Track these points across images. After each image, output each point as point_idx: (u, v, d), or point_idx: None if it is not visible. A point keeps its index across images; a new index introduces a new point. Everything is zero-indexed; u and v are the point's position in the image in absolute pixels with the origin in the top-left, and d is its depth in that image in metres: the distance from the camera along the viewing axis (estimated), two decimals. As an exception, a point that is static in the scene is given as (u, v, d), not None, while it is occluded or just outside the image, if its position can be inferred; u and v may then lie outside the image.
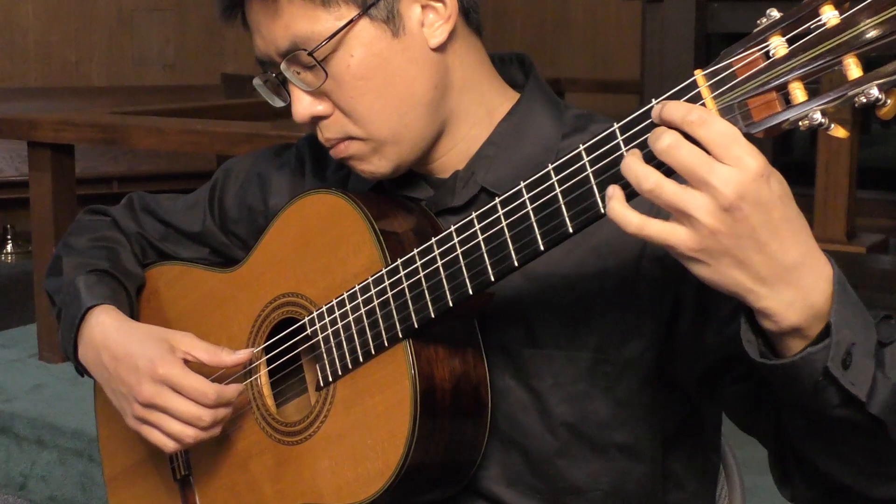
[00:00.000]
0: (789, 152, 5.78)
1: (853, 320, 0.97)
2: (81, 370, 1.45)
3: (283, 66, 1.19)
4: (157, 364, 1.29)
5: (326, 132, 1.23)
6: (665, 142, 0.92)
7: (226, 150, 3.17)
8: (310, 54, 1.17)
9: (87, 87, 5.99)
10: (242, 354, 1.31)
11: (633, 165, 0.94)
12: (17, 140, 3.64)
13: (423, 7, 1.19)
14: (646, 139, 0.95)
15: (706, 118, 0.91)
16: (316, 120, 1.23)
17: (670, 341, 1.19)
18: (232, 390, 1.30)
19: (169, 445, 1.32)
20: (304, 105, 1.21)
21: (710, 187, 0.90)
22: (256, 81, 1.26)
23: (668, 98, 0.95)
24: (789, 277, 0.93)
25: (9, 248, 5.44)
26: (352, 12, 1.16)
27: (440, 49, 1.21)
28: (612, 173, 0.98)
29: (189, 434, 1.29)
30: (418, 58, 1.20)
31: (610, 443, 1.22)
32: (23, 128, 3.46)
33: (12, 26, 5.90)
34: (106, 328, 1.38)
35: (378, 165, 1.23)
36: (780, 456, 1.14)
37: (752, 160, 0.90)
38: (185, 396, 1.29)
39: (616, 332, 1.19)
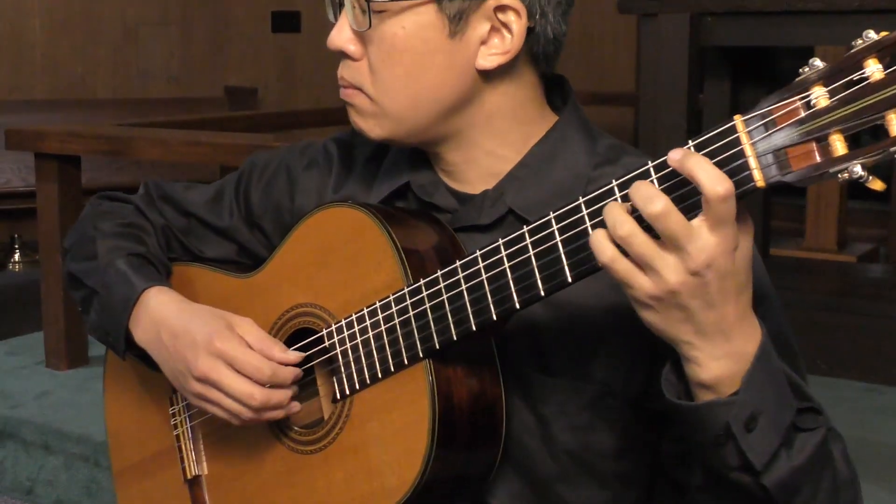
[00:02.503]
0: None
1: (767, 390, 1.01)
2: (127, 353, 1.41)
3: None
4: (215, 338, 1.27)
5: (345, 71, 1.23)
6: (658, 207, 0.93)
7: (229, 161, 3.17)
8: (368, 1, 1.17)
9: (93, 100, 6.01)
10: (293, 355, 1.28)
11: (613, 211, 0.97)
12: (24, 151, 3.58)
13: (493, 28, 1.18)
14: (682, 182, 0.96)
15: (731, 195, 0.92)
16: (343, 55, 1.23)
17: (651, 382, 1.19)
18: (287, 372, 1.27)
19: (233, 421, 1.29)
20: (342, 37, 1.21)
21: (685, 252, 0.94)
22: None
23: (705, 140, 0.95)
24: (725, 335, 0.98)
25: (16, 257, 5.47)
26: None
27: (484, 73, 1.20)
28: (645, 211, 0.98)
29: (244, 412, 1.26)
30: (458, 67, 1.19)
31: (609, 472, 1.23)
32: (30, 139, 3.45)
33: (20, 40, 5.92)
34: (166, 307, 1.35)
35: (370, 128, 1.23)
36: None
37: (733, 238, 0.94)
38: (239, 372, 1.26)
39: (622, 368, 1.19)
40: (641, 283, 0.96)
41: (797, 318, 3.50)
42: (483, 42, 1.18)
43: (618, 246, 0.97)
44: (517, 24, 1.17)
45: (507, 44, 1.18)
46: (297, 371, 1.28)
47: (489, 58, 1.19)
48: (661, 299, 0.96)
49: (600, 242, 0.97)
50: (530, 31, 1.19)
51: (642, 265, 0.96)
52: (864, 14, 3.17)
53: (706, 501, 1.12)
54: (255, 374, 1.26)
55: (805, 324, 3.26)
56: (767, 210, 3.99)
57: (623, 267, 0.97)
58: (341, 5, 1.22)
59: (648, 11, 3.82)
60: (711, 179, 0.92)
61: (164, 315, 1.35)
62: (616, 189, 1.00)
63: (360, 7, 1.19)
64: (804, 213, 4.06)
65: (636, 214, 0.96)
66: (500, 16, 1.18)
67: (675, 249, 0.94)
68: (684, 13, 3.67)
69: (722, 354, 0.99)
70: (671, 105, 3.53)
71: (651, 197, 0.94)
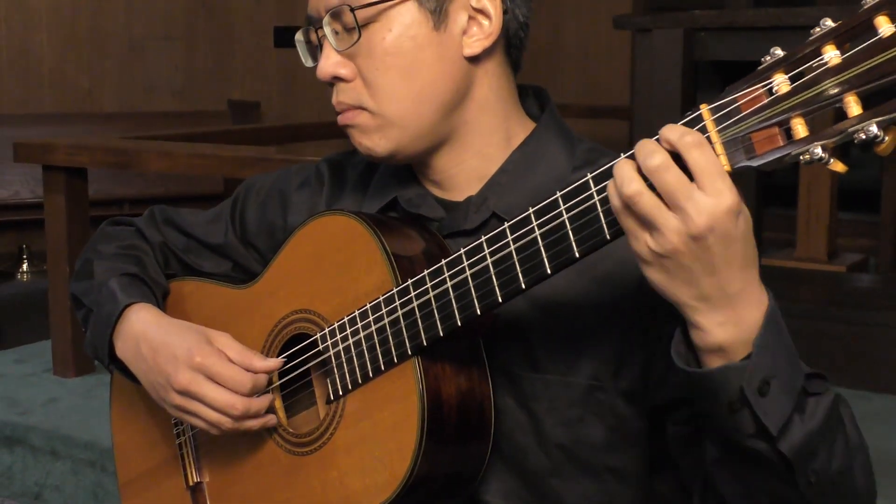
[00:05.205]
0: (772, 174, 5.82)
1: (777, 354, 1.01)
2: (112, 366, 1.46)
3: (325, 20, 1.22)
4: (195, 352, 1.30)
5: (341, 96, 1.25)
6: (656, 161, 0.95)
7: (233, 173, 3.20)
8: (352, 10, 1.20)
9: (99, 113, 6.00)
10: (273, 362, 1.32)
11: (624, 169, 0.97)
12: (32, 164, 3.60)
13: (471, 18, 1.23)
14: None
15: (702, 142, 0.94)
16: (336, 80, 1.25)
17: (649, 372, 1.21)
18: (264, 380, 1.31)
19: (212, 431, 1.34)
20: (330, 62, 1.24)
21: (685, 213, 0.94)
22: (297, 37, 1.29)
23: None
24: (727, 302, 0.98)
25: (24, 267, 5.48)
26: None
27: (472, 60, 1.24)
28: None
29: (225, 422, 1.30)
30: (449, 58, 1.22)
31: (602, 466, 1.24)
32: (38, 152, 3.47)
33: (28, 55, 5.94)
34: (146, 322, 1.40)
35: (377, 143, 1.25)
36: (704, 498, 1.19)
37: (729, 195, 0.94)
38: (220, 385, 1.29)
39: (611, 362, 1.21)
40: (646, 238, 0.97)
41: (788, 326, 3.54)
42: (464, 32, 1.23)
43: None
44: (492, 5, 1.23)
45: (487, 28, 1.23)
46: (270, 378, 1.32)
47: (474, 44, 1.23)
48: (663, 257, 0.97)
49: (612, 193, 0.99)
50: (504, 12, 1.24)
51: (648, 225, 0.97)
52: (853, 29, 3.23)
53: (723, 475, 1.11)
54: (236, 386, 1.29)
55: (796, 332, 3.27)
56: (759, 220, 4.02)
57: (630, 221, 0.98)
58: (319, 43, 1.26)
59: (643, 27, 3.89)
60: (680, 131, 0.95)
61: (143, 330, 1.39)
62: (591, 182, 1.02)
63: (344, 28, 1.22)
64: (795, 224, 4.07)
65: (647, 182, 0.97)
66: (474, 2, 1.23)
67: (676, 209, 0.95)
68: (678, 29, 3.73)
69: (726, 320, 0.99)
70: (665, 118, 3.51)
71: (651, 151, 0.95)
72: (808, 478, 1.05)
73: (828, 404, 1.06)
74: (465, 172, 1.29)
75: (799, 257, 4.03)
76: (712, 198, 0.94)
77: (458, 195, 1.30)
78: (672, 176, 0.95)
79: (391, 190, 1.34)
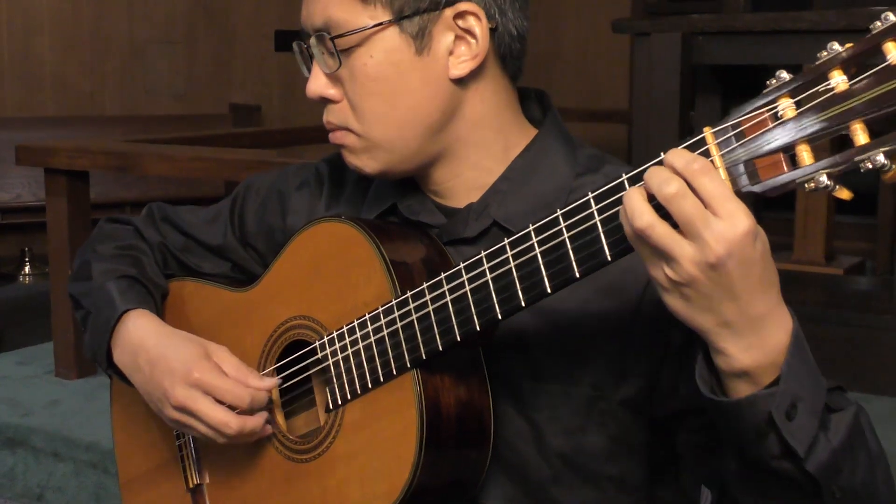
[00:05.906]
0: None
1: (803, 376, 0.99)
2: (110, 371, 1.45)
3: (312, 41, 1.22)
4: (193, 368, 1.29)
5: (330, 116, 1.25)
6: (672, 188, 0.92)
7: (233, 176, 3.20)
8: (332, 39, 1.19)
9: (101, 117, 6.04)
10: (269, 381, 1.31)
11: (634, 200, 0.95)
12: (34, 167, 3.63)
13: (457, 37, 1.20)
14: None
15: (709, 168, 0.92)
16: (324, 101, 1.25)
17: (656, 382, 1.20)
18: (263, 396, 1.31)
19: (209, 442, 1.34)
20: (318, 83, 1.23)
21: (702, 241, 0.92)
22: (295, 46, 1.28)
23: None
24: (752, 326, 0.96)
25: (27, 269, 5.52)
26: (385, 16, 1.18)
27: (459, 81, 1.21)
28: (619, 222, 0.98)
29: (219, 438, 1.30)
30: (433, 81, 1.20)
31: (602, 474, 1.23)
32: (40, 155, 3.49)
33: (29, 58, 5.97)
34: (144, 331, 1.38)
35: (366, 163, 1.25)
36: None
37: (744, 218, 0.91)
38: (218, 400, 1.29)
39: (613, 371, 1.19)
40: (662, 266, 0.96)
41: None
42: (451, 53, 1.20)
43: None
44: (479, 26, 1.20)
45: (474, 48, 1.20)
46: (269, 391, 1.31)
47: (460, 66, 1.21)
48: (681, 285, 0.95)
49: (624, 222, 0.97)
50: (493, 31, 1.21)
51: (663, 255, 0.95)
52: (851, 34, 3.23)
53: (743, 489, 1.10)
54: (234, 401, 1.29)
55: (793, 334, 3.31)
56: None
57: (645, 250, 0.96)
58: (311, 56, 1.25)
59: (641, 31, 3.91)
60: (686, 158, 0.93)
61: (141, 339, 1.38)
62: (592, 202, 1.01)
63: (327, 50, 1.21)
64: (793, 227, 4.04)
65: (654, 203, 0.95)
66: (461, 23, 1.20)
67: (693, 237, 0.93)
68: (676, 33, 3.75)
69: (750, 345, 0.97)
70: (663, 122, 3.60)
71: (667, 179, 0.93)
72: (833, 493, 1.03)
73: (850, 419, 1.05)
74: (464, 183, 1.28)
75: (796, 260, 4.02)
76: (727, 223, 0.92)
77: (458, 202, 1.29)
78: (689, 204, 0.92)
79: (390, 195, 1.33)
